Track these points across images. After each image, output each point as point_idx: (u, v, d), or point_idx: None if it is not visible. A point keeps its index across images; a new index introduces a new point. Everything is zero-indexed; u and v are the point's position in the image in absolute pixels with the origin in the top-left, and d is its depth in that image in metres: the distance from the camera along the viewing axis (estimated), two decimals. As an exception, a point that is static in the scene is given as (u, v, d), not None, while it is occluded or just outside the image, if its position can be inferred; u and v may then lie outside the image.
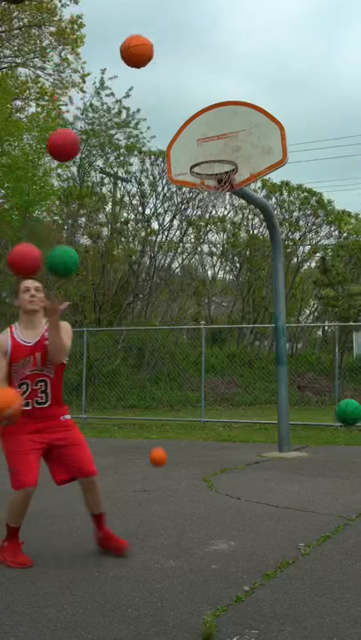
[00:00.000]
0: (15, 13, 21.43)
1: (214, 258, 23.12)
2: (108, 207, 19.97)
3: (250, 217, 20.65)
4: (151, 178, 19.06)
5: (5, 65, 22.00)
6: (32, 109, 21.81)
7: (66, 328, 3.84)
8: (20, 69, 22.31)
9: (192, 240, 21.03)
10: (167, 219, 19.49)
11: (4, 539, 3.78)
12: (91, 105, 19.71)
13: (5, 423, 3.47)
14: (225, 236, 21.11)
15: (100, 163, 20.08)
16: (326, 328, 22.37)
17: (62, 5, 21.16)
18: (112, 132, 19.66)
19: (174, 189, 18.69)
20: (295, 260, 21.09)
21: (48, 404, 3.81)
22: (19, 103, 21.74)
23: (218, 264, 23.52)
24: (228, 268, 23.27)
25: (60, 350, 3.75)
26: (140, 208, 19.56)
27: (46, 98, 21.56)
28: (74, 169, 20.27)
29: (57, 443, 3.80)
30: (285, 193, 20.34)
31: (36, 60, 21.92)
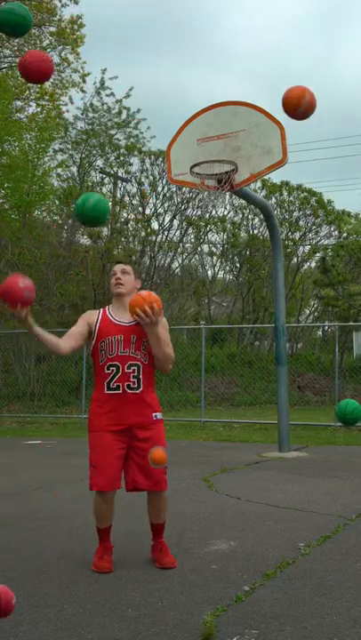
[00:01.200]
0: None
1: (214, 258, 23.14)
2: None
3: (250, 217, 20.65)
4: (151, 178, 19.07)
5: (5, 65, 22.00)
6: (32, 109, 21.82)
7: (164, 325, 3.69)
8: (20, 69, 22.30)
9: (192, 240, 21.03)
10: (167, 219, 19.50)
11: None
12: (91, 105, 19.71)
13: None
14: (225, 236, 21.12)
15: (100, 163, 20.08)
16: (326, 328, 22.38)
17: (62, 5, 21.16)
18: (112, 132, 19.66)
19: (174, 189, 18.69)
20: (295, 259, 21.09)
21: (140, 389, 3.62)
22: (19, 103, 21.75)
23: (218, 264, 23.54)
24: (228, 268, 23.28)
25: (166, 361, 3.64)
26: (140, 208, 19.57)
27: (46, 98, 21.56)
28: (74, 169, 20.27)
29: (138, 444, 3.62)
30: (285, 193, 20.35)
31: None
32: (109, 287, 3.83)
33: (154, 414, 3.66)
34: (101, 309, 3.81)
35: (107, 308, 3.81)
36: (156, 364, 3.69)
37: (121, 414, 3.60)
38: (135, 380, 3.62)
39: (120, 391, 3.61)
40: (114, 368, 3.62)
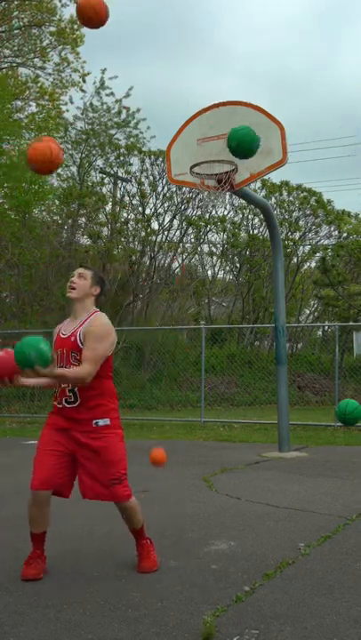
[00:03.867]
0: (15, 13, 21.43)
1: (214, 258, 23.14)
2: (108, 207, 19.97)
3: (250, 217, 20.65)
4: (151, 178, 19.07)
5: (5, 65, 22.00)
6: (32, 109, 21.82)
7: (92, 334, 3.48)
8: (20, 69, 22.33)
9: (192, 240, 21.03)
10: (167, 219, 19.50)
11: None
12: (91, 105, 19.70)
13: None
14: (225, 236, 21.12)
15: (100, 163, 20.07)
16: (326, 328, 22.37)
17: (62, 5, 21.16)
18: (112, 131, 19.65)
19: (174, 189, 18.69)
20: (295, 259, 21.09)
21: (77, 403, 3.51)
22: (19, 103, 21.75)
23: (218, 264, 23.54)
24: (228, 268, 23.28)
25: (78, 383, 3.46)
26: (140, 208, 19.57)
27: (46, 98, 21.56)
28: (74, 169, 20.26)
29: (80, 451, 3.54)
30: (285, 193, 20.35)
31: (36, 59, 21.93)
32: None
33: (95, 421, 3.52)
34: (64, 321, 3.74)
35: (68, 319, 3.73)
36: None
37: (64, 427, 3.54)
38: (71, 395, 3.52)
39: (60, 406, 3.56)
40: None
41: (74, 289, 3.61)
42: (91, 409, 3.52)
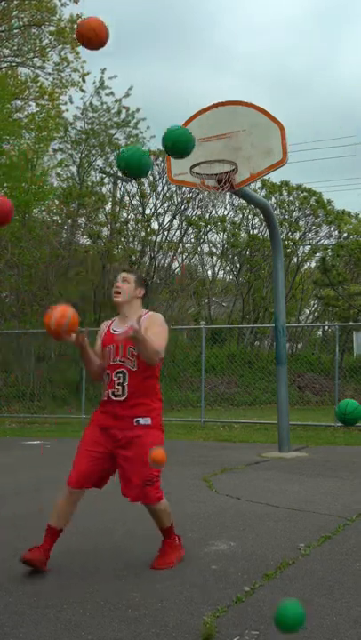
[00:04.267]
0: (15, 13, 21.42)
1: (214, 258, 23.14)
2: (108, 207, 19.98)
3: (250, 217, 20.65)
4: (151, 178, 19.06)
5: (5, 65, 22.00)
6: (32, 109, 21.80)
7: (156, 323, 3.67)
8: (20, 69, 22.32)
9: (192, 240, 21.03)
10: (167, 219, 19.50)
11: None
12: (90, 104, 19.70)
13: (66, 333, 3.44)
14: (225, 236, 21.12)
15: (100, 162, 20.06)
16: (326, 328, 22.38)
17: (62, 5, 21.15)
18: (112, 131, 19.65)
19: (174, 189, 18.68)
20: (295, 259, 21.09)
21: (124, 398, 3.61)
22: (19, 103, 21.74)
23: (218, 264, 23.54)
24: (228, 268, 23.28)
25: (151, 358, 3.55)
26: (140, 208, 19.57)
27: (46, 97, 21.55)
28: (74, 169, 20.26)
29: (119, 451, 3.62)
30: (285, 193, 20.35)
31: (36, 59, 21.92)
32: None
33: (136, 419, 3.58)
34: (111, 320, 3.86)
35: (114, 318, 3.86)
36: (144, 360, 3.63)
37: (107, 420, 3.64)
38: (119, 388, 3.62)
39: (106, 398, 3.68)
40: (106, 376, 3.70)
41: (119, 293, 3.74)
42: (134, 406, 3.60)
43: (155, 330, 3.62)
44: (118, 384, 3.61)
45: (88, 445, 3.64)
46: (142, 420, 3.58)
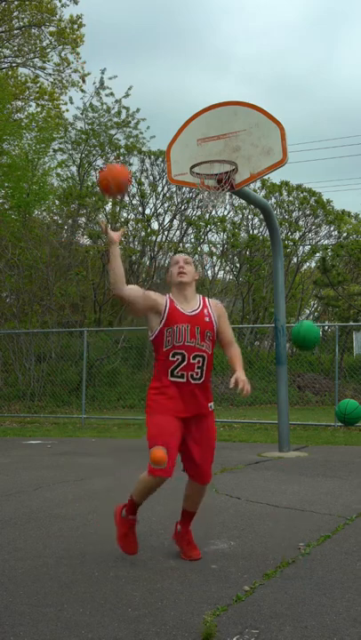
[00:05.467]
0: (15, 13, 21.44)
1: (214, 258, 23.12)
2: (108, 207, 19.99)
3: (250, 217, 20.66)
4: (151, 178, 19.08)
5: (5, 65, 22.01)
6: (32, 109, 21.82)
7: (225, 314, 3.87)
8: (20, 69, 22.34)
9: (192, 240, 21.04)
10: (167, 219, 19.51)
11: (125, 506, 3.76)
12: (91, 105, 19.72)
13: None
14: (225, 236, 21.12)
15: (100, 163, 20.08)
16: (326, 328, 22.38)
17: (62, 5, 21.17)
18: (112, 131, 19.67)
19: (174, 189, 18.69)
20: (295, 259, 21.09)
21: (202, 380, 3.71)
22: (19, 103, 21.76)
23: (218, 264, 23.52)
24: (228, 268, 23.27)
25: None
26: (140, 208, 19.58)
27: (45, 97, 21.57)
28: (74, 169, 20.28)
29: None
30: (285, 193, 20.36)
31: (36, 60, 21.94)
32: (169, 276, 3.81)
33: (210, 404, 3.78)
34: (167, 296, 3.76)
35: (168, 295, 3.77)
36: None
37: (183, 402, 3.64)
38: (199, 371, 3.68)
39: (184, 380, 3.65)
40: (179, 356, 3.64)
41: (185, 274, 3.75)
42: (207, 390, 3.77)
43: (226, 320, 3.85)
44: (198, 367, 3.67)
45: (174, 435, 3.58)
46: (211, 405, 3.80)
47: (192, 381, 3.67)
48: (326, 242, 21.21)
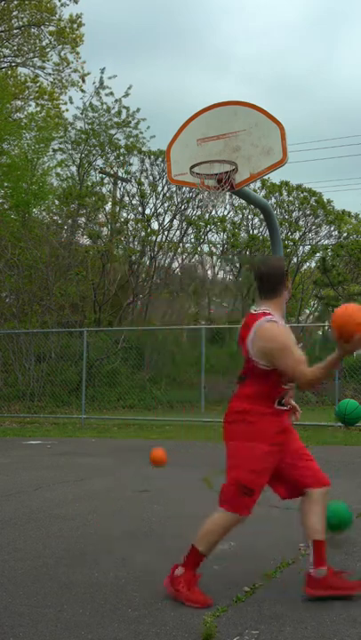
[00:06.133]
0: (15, 13, 21.45)
1: (214, 258, 23.12)
2: (108, 207, 19.99)
3: (250, 217, 20.66)
4: (151, 178, 19.08)
5: (5, 64, 22.01)
6: (31, 108, 21.82)
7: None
8: (20, 69, 22.35)
9: (192, 240, 21.04)
10: (167, 219, 19.51)
11: (182, 564, 3.21)
12: (90, 104, 19.70)
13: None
14: (225, 236, 21.12)
15: (100, 163, 20.08)
16: (326, 328, 22.37)
17: (62, 5, 21.17)
18: (112, 131, 19.67)
19: (174, 189, 18.69)
20: (295, 259, 21.09)
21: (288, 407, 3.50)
22: (19, 103, 21.76)
23: (218, 264, 23.52)
24: (228, 268, 23.27)
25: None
26: (140, 208, 19.58)
27: (45, 97, 21.57)
28: (74, 169, 20.28)
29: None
30: (285, 193, 20.36)
31: (36, 59, 21.94)
32: (289, 292, 3.58)
33: None
34: (274, 318, 3.36)
35: (270, 314, 3.36)
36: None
37: (284, 432, 3.48)
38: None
39: (287, 408, 3.48)
40: (291, 385, 3.46)
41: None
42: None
43: None
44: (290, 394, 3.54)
45: (271, 469, 3.50)
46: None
47: (284, 408, 3.56)
48: (326, 242, 21.22)
